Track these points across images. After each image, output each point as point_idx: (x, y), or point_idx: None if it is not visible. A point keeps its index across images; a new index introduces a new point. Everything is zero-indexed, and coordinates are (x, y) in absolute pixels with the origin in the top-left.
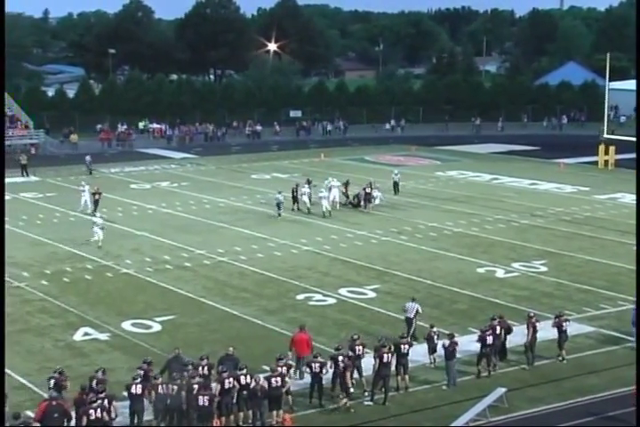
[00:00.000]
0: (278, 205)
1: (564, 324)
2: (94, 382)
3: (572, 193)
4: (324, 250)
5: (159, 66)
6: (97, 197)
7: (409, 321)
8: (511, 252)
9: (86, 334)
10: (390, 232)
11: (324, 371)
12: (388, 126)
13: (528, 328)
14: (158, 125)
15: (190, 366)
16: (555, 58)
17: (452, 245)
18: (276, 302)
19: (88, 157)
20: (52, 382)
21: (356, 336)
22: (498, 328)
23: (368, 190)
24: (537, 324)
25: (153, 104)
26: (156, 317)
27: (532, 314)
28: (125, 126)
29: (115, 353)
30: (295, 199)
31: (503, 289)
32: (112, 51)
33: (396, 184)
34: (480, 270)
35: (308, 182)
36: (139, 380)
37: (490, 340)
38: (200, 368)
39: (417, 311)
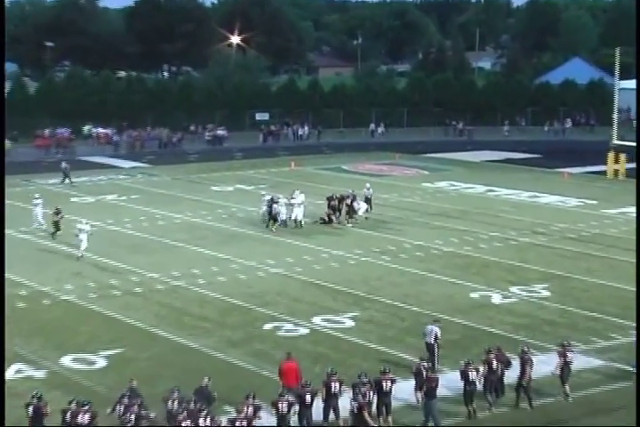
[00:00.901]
0: (273, 216)
1: (568, 354)
2: (68, 416)
3: (578, 207)
4: (296, 272)
5: (105, 61)
6: (57, 217)
7: (429, 347)
8: (509, 274)
9: (19, 371)
10: (371, 252)
11: (292, 411)
12: (379, 130)
13: (524, 365)
14: (104, 130)
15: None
16: (557, 53)
17: (442, 266)
18: (240, 332)
19: (64, 164)
20: (31, 409)
21: (331, 371)
22: (494, 362)
23: (348, 202)
24: (532, 359)
25: (98, 105)
26: (101, 350)
27: (525, 348)
28: (66, 131)
29: (53, 393)
30: (271, 214)
31: (500, 317)
32: (50, 44)
33: (368, 200)
34: (474, 295)
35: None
36: (87, 407)
37: (472, 375)
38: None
39: (436, 336)
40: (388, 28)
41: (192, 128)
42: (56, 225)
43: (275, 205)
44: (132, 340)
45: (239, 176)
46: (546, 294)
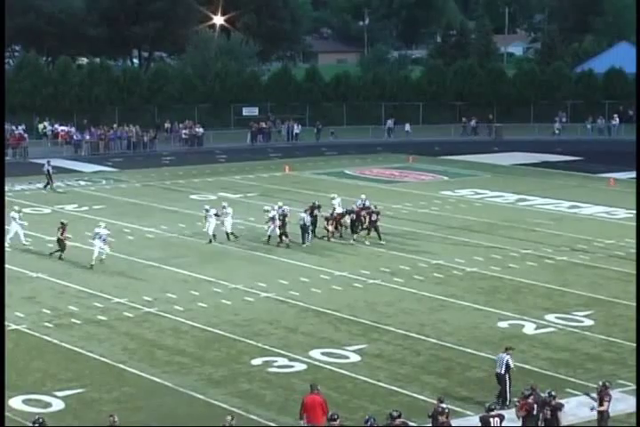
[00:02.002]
0: (303, 229)
1: (605, 397)
2: None
3: (627, 219)
4: (291, 297)
5: (63, 46)
6: (62, 235)
7: (500, 378)
8: (544, 299)
9: None
10: (381, 273)
11: None
12: (406, 128)
13: (554, 411)
14: (63, 127)
15: None
16: (601, 37)
17: (465, 290)
18: (224, 368)
19: (47, 165)
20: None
21: (332, 416)
22: (535, 407)
23: (365, 213)
24: (561, 410)
25: (55, 98)
26: (58, 390)
27: (553, 393)
28: (18, 128)
29: None
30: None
31: (534, 350)
32: None
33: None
34: (502, 325)
35: (314, 207)
36: None
37: (495, 422)
38: None
39: (507, 366)
40: (401, 6)
41: (166, 125)
42: (60, 243)
43: (303, 215)
44: (95, 378)
45: (223, 182)
46: (588, 322)
